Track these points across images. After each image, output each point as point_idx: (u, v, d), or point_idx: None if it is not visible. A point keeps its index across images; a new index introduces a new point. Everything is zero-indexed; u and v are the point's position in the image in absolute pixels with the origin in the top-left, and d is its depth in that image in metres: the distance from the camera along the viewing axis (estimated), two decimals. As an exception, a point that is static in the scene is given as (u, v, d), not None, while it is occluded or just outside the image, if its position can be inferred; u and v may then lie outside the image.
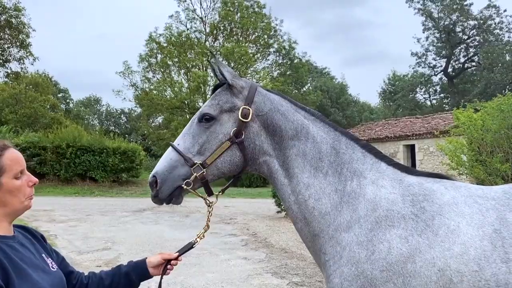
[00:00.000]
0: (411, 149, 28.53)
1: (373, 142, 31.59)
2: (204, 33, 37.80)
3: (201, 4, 37.96)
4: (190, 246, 2.40)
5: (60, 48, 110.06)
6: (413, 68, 54.30)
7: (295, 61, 40.06)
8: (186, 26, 37.66)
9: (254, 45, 38.88)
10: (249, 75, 36.86)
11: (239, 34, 37.65)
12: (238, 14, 36.63)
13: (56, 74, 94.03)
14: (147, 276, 2.28)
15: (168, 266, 2.30)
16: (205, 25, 37.73)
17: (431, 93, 56.54)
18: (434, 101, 56.03)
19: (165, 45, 36.60)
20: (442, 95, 55.54)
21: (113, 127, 60.98)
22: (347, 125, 49.45)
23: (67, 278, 2.00)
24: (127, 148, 27.14)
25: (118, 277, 2.20)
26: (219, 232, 12.57)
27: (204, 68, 35.02)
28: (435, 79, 54.75)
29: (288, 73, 39.40)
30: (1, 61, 17.62)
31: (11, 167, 1.80)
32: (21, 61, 17.47)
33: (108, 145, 26.63)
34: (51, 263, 1.92)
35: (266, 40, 38.38)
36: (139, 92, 37.58)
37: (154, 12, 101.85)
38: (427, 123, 29.59)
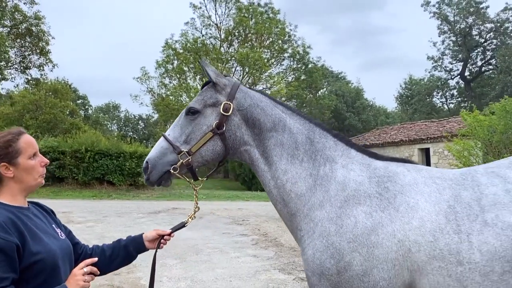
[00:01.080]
0: (426, 152, 28.47)
1: (388, 146, 31.60)
2: (219, 39, 38.32)
3: (216, 11, 38.53)
4: (182, 225, 2.69)
5: (81, 56, 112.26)
6: (429, 72, 54.07)
7: (310, 65, 40.27)
8: (201, 33, 38.28)
9: (268, 51, 39.24)
10: (263, 80, 37.22)
11: (254, 39, 38.04)
12: (253, 20, 37.04)
13: (76, 82, 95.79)
14: (143, 249, 2.56)
15: (162, 241, 2.58)
16: (220, 31, 38.26)
17: (448, 97, 56.12)
18: (451, 105, 55.59)
19: (181, 51, 37.21)
20: (459, 99, 55.08)
21: (131, 133, 61.99)
22: (362, 129, 49.40)
23: (73, 248, 2.31)
24: (144, 153, 27.62)
25: (118, 250, 2.49)
26: (231, 232, 12.86)
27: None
28: (452, 82, 54.39)
29: (302, 77, 39.62)
30: (22, 68, 18.27)
31: (26, 150, 2.12)
32: (41, 68, 18.15)
33: (125, 150, 27.16)
34: (60, 232, 2.23)
35: (280, 45, 38.71)
36: (156, 97, 38.22)
37: (172, 19, 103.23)
38: (442, 126, 29.48)
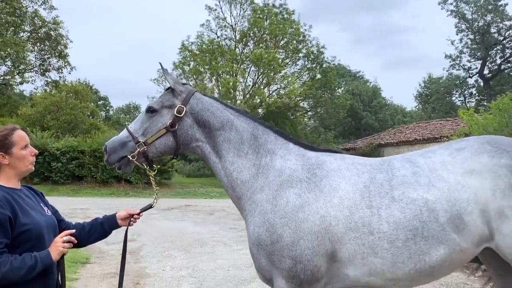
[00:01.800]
0: (439, 151, 28.41)
1: (402, 145, 31.68)
2: (234, 40, 38.86)
3: (231, 13, 39.07)
4: (149, 206, 3.19)
5: (103, 57, 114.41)
6: (447, 71, 53.61)
7: (324, 65, 40.53)
8: (216, 34, 38.86)
9: (283, 51, 39.65)
10: (278, 80, 37.62)
11: (268, 40, 38.46)
12: (267, 21, 37.47)
13: (98, 83, 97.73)
14: (116, 226, 3.05)
15: (132, 219, 3.08)
16: (235, 32, 38.79)
17: (466, 95, 55.56)
18: (470, 104, 55.02)
19: (197, 52, 37.91)
20: (478, 97, 54.47)
21: (150, 133, 63.01)
22: (379, 128, 49.32)
23: (58, 223, 2.83)
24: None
25: (95, 226, 3.00)
26: (238, 227, 13.35)
27: (234, 74, 36.07)
28: (471, 81, 53.79)
29: (317, 77, 39.90)
30: (41, 70, 19.19)
31: (19, 142, 2.64)
32: (60, 71, 18.97)
33: (142, 149, 27.95)
34: (46, 210, 2.75)
35: (295, 45, 39.07)
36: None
37: (188, 21, 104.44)
38: (457, 125, 29.41)
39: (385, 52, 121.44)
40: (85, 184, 27.02)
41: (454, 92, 54.64)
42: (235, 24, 38.94)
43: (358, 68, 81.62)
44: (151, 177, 3.23)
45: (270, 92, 38.61)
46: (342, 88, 52.48)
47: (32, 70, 19.64)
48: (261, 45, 38.01)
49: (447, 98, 53.65)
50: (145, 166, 3.18)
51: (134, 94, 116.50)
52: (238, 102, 34.83)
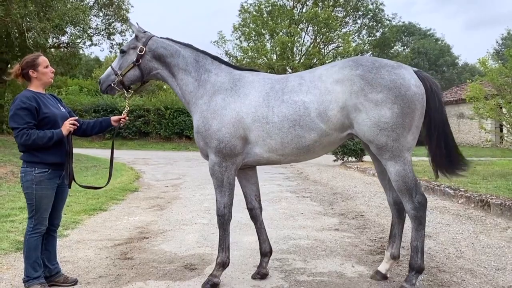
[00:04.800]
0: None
1: (461, 103, 31.06)
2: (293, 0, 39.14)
3: (289, -29, 39.21)
4: (127, 110, 4.51)
5: (164, 19, 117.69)
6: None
7: (385, 23, 39.88)
8: (275, -6, 39.27)
9: (343, 9, 39.44)
10: (335, 39, 37.66)
11: (327, -2, 38.31)
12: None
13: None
14: (110, 125, 4.40)
15: (122, 120, 4.44)
16: (293, -9, 38.99)
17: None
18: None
19: (256, 14, 38.72)
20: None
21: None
22: (444, 87, 47.88)
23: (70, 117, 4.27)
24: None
25: (96, 123, 4.38)
26: (273, 171, 14.69)
27: (291, 34, 36.62)
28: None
29: (376, 35, 39.44)
30: (107, 34, 21.30)
31: (42, 63, 4.06)
32: (123, 34, 20.92)
33: (201, 108, 29.91)
34: (62, 108, 4.20)
35: (354, 3, 38.68)
36: (232, 61, 40.31)
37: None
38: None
39: (467, 11, 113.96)
40: (150, 139, 29.62)
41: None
42: (294, -17, 39.08)
43: (436, 28, 77.69)
44: (126, 97, 4.53)
45: (329, 51, 38.78)
46: (405, 47, 51.16)
47: (99, 34, 21.82)
48: (319, 3, 38.02)
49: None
50: (124, 91, 4.49)
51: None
52: (295, 62, 35.46)
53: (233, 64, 4.35)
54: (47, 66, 4.11)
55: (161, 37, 4.49)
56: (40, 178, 3.88)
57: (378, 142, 3.67)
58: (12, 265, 4.69)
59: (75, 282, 4.17)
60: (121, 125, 4.47)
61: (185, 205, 8.56)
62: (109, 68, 4.43)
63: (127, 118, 4.49)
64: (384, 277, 4.23)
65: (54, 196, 4.00)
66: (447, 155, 3.91)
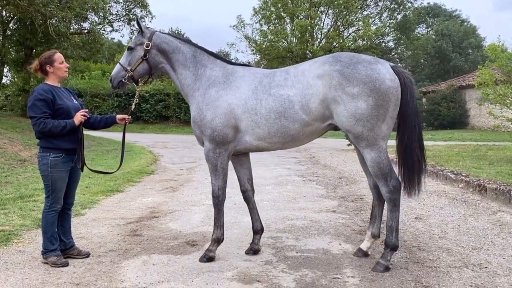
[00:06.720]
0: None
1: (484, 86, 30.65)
2: (313, -17, 38.86)
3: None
4: (130, 111, 4.96)
5: (181, 4, 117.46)
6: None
7: (407, 5, 39.34)
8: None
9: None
10: (355, 22, 37.38)
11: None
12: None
13: (190, 32, 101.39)
14: (115, 122, 4.80)
15: (126, 119, 4.86)
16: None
17: None
18: None
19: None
20: None
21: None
22: (468, 70, 47.00)
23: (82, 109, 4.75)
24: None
25: (103, 119, 4.80)
26: (285, 155, 15.08)
27: (311, 17, 36.51)
28: None
29: (398, 18, 38.96)
30: (127, 20, 21.83)
31: (58, 59, 4.53)
32: (142, 20, 21.30)
33: (220, 92, 30.38)
34: (75, 101, 4.68)
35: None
36: (252, 45, 40.41)
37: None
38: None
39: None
40: (170, 123, 30.31)
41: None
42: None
43: (463, 9, 75.17)
44: (137, 91, 4.97)
45: (349, 34, 38.55)
46: (429, 29, 50.21)
47: (120, 20, 22.36)
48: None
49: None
50: (135, 85, 4.89)
51: (214, 41, 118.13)
52: (315, 47, 35.43)
53: (227, 59, 4.75)
54: (62, 62, 4.57)
55: (162, 33, 4.89)
56: (55, 162, 4.39)
57: (355, 132, 4.03)
58: (33, 239, 5.25)
59: (87, 254, 4.69)
60: (127, 124, 4.89)
61: (196, 187, 9.06)
62: (118, 65, 4.80)
63: (130, 119, 4.93)
64: (365, 254, 4.62)
65: (68, 178, 4.50)
66: (412, 148, 4.23)
